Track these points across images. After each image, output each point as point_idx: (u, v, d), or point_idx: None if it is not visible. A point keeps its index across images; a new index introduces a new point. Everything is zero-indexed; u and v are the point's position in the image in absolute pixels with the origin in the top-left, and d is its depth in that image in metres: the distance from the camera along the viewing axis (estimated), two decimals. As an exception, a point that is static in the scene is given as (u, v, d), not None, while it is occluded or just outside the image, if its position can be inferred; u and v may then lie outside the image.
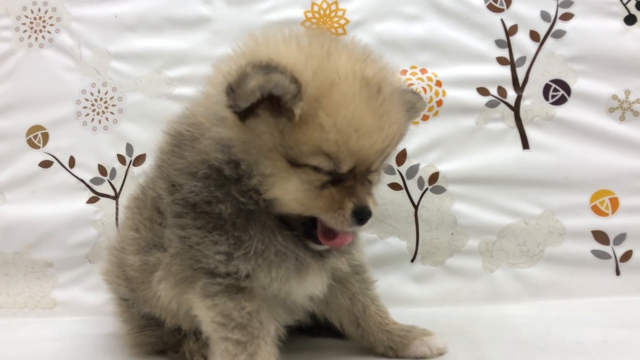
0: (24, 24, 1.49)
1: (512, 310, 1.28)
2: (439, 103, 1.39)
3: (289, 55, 0.77)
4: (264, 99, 0.75)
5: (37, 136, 1.47)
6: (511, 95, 1.38)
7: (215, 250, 0.82)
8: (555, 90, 1.37)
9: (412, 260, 1.38)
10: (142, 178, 1.01)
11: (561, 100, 1.37)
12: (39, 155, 1.47)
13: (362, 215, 0.78)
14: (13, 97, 1.48)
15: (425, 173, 1.38)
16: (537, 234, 1.35)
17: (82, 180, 1.45)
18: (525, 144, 1.37)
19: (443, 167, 1.38)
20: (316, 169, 0.77)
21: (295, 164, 0.77)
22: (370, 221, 0.80)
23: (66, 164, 1.46)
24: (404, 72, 1.40)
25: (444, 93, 1.39)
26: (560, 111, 1.37)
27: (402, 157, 1.39)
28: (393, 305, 1.24)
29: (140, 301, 1.00)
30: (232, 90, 0.73)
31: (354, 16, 1.43)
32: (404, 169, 1.39)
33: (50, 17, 1.49)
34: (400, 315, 1.19)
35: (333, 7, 1.43)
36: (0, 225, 1.46)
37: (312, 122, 0.75)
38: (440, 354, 1.00)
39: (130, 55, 1.47)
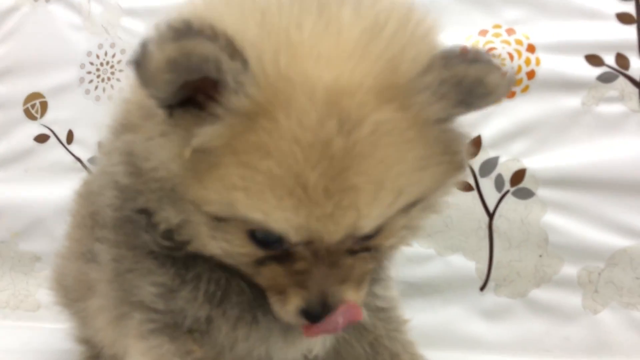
0: (28, -28, 1.38)
1: None
2: (531, 75, 1.11)
3: (237, 20, 0.48)
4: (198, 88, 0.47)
5: (35, 105, 1.35)
6: (636, 66, 1.08)
7: (149, 281, 0.60)
8: (702, 59, 1.07)
9: (482, 288, 1.12)
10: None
11: None
12: (36, 128, 1.34)
13: (316, 319, 0.53)
14: (13, 59, 1.37)
15: (506, 170, 1.11)
16: (667, 263, 1.05)
17: (79, 160, 1.31)
18: (655, 134, 1.08)
19: (532, 163, 1.10)
20: (254, 232, 0.50)
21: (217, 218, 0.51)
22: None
23: (64, 139, 1.32)
24: (484, 32, 1.15)
25: (537, 61, 1.12)
26: None
27: (474, 147, 1.12)
28: (453, 348, 1.10)
29: (78, 321, 0.83)
30: (138, 66, 0.45)
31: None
32: (476, 162, 1.13)
33: (57, -34, 1.37)
34: None
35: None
36: (-12, 208, 1.36)
37: (214, 167, 0.47)
38: None
39: (144, 11, 1.31)
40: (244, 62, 0.44)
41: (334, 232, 0.48)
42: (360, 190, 0.47)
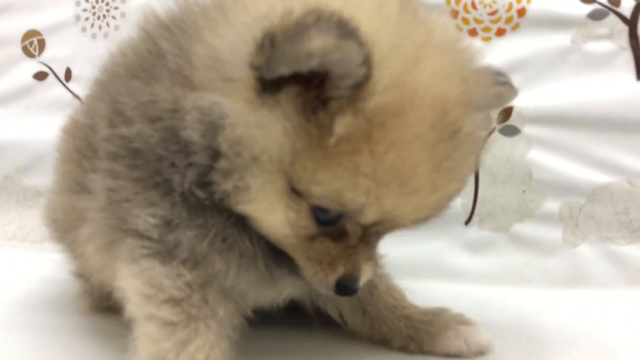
0: None
1: (595, 300, 1.00)
2: (521, 12, 1.10)
3: (372, 23, 0.52)
4: (308, 76, 0.51)
5: (32, 43, 1.35)
6: (627, 2, 1.07)
7: (149, 213, 0.62)
8: (694, -4, 1.04)
9: (467, 223, 1.14)
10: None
11: (702, 12, 1.04)
12: (34, 66, 1.36)
13: (345, 289, 0.62)
14: (10, -5, 1.38)
15: None
16: (646, 199, 1.05)
17: (77, 97, 1.31)
18: (642, 73, 1.06)
19: (520, 101, 1.01)
20: (320, 210, 0.56)
21: (294, 191, 0.56)
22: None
23: (62, 76, 1.34)
24: (476, -32, 1.12)
25: None
26: (700, 27, 1.04)
27: None
28: (437, 279, 1.10)
29: (69, 254, 0.85)
30: (273, 43, 0.49)
31: None
32: None
33: None
34: (441, 292, 1.03)
35: None
36: (-9, 144, 1.39)
37: (346, 154, 0.52)
38: (481, 352, 0.77)
39: (140, -57, 1.29)
40: (369, 72, 0.50)
41: (414, 217, 0.57)
42: (452, 188, 0.58)
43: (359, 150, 0.52)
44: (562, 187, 1.09)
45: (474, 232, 1.13)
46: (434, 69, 0.54)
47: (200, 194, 0.60)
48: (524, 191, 1.11)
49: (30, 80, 1.35)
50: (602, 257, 1.07)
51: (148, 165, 0.62)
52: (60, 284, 1.04)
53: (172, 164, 0.60)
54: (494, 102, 0.65)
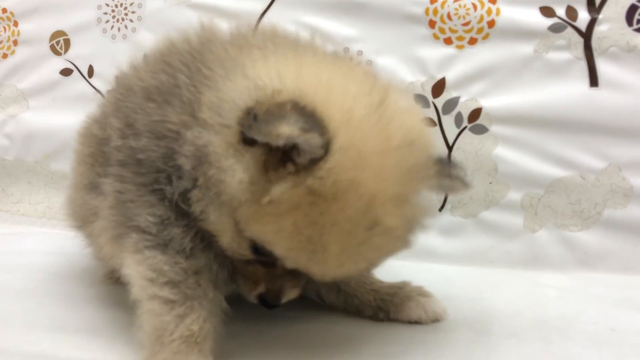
0: None
1: (548, 279, 1.09)
2: (491, 24, 1.17)
3: (339, 119, 0.59)
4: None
5: (59, 42, 1.46)
6: (583, 17, 1.14)
7: (149, 212, 0.71)
8: (643, 13, 1.11)
9: (440, 210, 1.22)
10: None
11: (649, 27, 1.11)
12: (61, 63, 1.46)
13: (265, 303, 0.73)
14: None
15: (465, 108, 1.19)
16: (595, 192, 1.13)
17: (98, 91, 1.42)
18: (594, 81, 1.13)
19: (487, 103, 1.18)
20: (256, 244, 0.65)
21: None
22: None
23: (85, 72, 1.44)
24: (451, -17, 1.19)
25: (497, 11, 1.17)
26: (646, 41, 1.11)
27: (439, 88, 1.20)
28: (411, 258, 1.11)
29: (87, 241, 0.93)
30: (256, 117, 0.58)
31: None
32: (440, 101, 1.20)
33: None
34: (414, 270, 1.11)
35: None
36: (23, 132, 1.49)
37: (274, 215, 0.60)
38: (436, 320, 0.87)
39: (154, -46, 1.37)
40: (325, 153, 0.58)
41: (323, 278, 0.65)
42: (359, 266, 0.65)
43: (286, 216, 0.59)
44: (524, 180, 1.17)
45: (446, 217, 1.21)
46: (374, 171, 0.60)
47: (183, 205, 0.68)
48: (490, 183, 1.19)
49: (57, 75, 1.45)
50: (557, 242, 1.16)
51: (149, 175, 0.70)
52: (85, 257, 1.07)
53: (167, 177, 0.68)
54: (444, 191, 0.71)
